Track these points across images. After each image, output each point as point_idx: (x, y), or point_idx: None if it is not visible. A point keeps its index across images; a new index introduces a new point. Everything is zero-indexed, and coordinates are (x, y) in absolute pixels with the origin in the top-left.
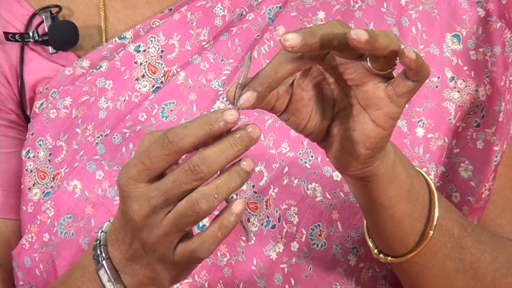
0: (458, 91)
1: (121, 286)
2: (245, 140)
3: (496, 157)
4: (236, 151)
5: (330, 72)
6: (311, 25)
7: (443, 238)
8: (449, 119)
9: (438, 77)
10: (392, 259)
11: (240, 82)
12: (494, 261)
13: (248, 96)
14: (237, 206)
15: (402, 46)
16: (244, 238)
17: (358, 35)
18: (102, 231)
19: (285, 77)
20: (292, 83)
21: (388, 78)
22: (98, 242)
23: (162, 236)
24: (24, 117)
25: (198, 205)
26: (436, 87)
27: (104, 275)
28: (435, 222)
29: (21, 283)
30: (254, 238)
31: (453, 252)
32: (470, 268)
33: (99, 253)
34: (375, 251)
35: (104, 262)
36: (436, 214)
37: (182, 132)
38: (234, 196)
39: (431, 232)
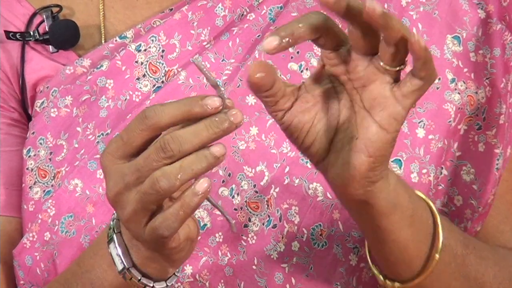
0: (459, 93)
1: (128, 261)
2: (224, 124)
3: (498, 160)
4: (210, 134)
5: (340, 71)
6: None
7: (448, 258)
8: (449, 121)
9: (439, 79)
10: (400, 285)
11: (211, 84)
12: (497, 275)
13: (271, 39)
14: (201, 186)
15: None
16: (245, 238)
17: (373, 5)
18: None
19: (307, 32)
20: (300, 87)
21: (396, 80)
22: (113, 216)
23: (132, 214)
24: (26, 116)
25: (158, 183)
26: (437, 88)
27: (113, 249)
28: (440, 245)
29: (22, 282)
30: (252, 225)
31: (457, 271)
32: (475, 284)
33: (112, 226)
34: (381, 277)
35: (114, 235)
36: (441, 238)
37: (159, 109)
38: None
39: (437, 255)
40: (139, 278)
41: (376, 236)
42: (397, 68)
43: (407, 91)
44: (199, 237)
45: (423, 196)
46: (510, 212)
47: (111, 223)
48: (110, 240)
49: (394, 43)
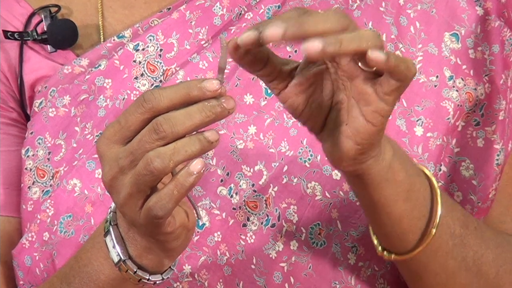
0: (457, 90)
1: (124, 252)
2: (216, 109)
3: (498, 155)
4: (203, 117)
5: (331, 62)
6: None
7: (445, 236)
8: (448, 119)
9: (437, 76)
10: (396, 256)
11: (220, 65)
12: (498, 258)
13: (250, 32)
14: (195, 166)
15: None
16: (243, 237)
17: (311, 45)
18: None
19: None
20: (296, 68)
21: (378, 74)
22: (110, 209)
23: (127, 197)
24: (24, 116)
25: (152, 163)
26: (435, 86)
27: (110, 242)
28: (437, 221)
29: (21, 282)
30: (250, 224)
31: (454, 250)
32: (473, 265)
33: (108, 219)
34: (379, 248)
35: (111, 228)
36: (439, 213)
37: (158, 93)
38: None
39: (434, 230)
40: (135, 270)
41: (371, 208)
42: (374, 68)
43: (388, 90)
44: (196, 229)
45: (427, 172)
46: (511, 203)
47: (108, 216)
48: (107, 232)
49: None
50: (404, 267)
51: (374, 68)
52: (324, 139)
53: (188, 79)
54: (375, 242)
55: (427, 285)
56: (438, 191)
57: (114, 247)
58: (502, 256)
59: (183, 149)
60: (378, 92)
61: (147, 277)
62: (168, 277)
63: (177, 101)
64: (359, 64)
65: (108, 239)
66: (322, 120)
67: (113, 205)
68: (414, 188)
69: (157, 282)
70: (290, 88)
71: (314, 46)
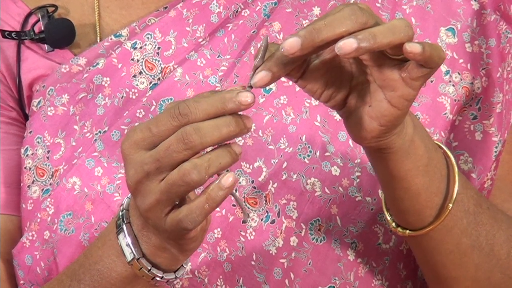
0: (453, 85)
1: (138, 251)
2: (241, 125)
3: (496, 147)
4: (230, 131)
5: None
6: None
7: (459, 213)
8: (445, 114)
9: None
10: (410, 232)
11: (255, 63)
12: (509, 239)
13: (263, 76)
14: (227, 180)
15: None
16: (243, 233)
17: (345, 45)
18: (127, 197)
19: (301, 60)
20: None
21: (403, 60)
22: (122, 207)
23: (154, 203)
24: (23, 115)
25: (190, 175)
26: (431, 81)
27: (123, 239)
28: (454, 196)
29: (21, 282)
30: (250, 221)
31: (468, 228)
32: (486, 245)
33: (120, 216)
34: (393, 224)
35: (124, 226)
36: (456, 188)
37: (193, 106)
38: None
39: (451, 205)
40: (149, 268)
41: (389, 182)
42: (402, 56)
43: (416, 76)
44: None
45: (444, 148)
46: None
47: (120, 213)
48: (120, 230)
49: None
50: (417, 245)
51: (402, 56)
52: (346, 117)
53: (186, 76)
54: (388, 218)
55: (440, 264)
56: (455, 167)
57: (127, 245)
58: None
59: (217, 161)
60: (405, 78)
61: (161, 275)
62: (181, 275)
63: (212, 115)
64: (387, 52)
65: (121, 237)
66: (342, 99)
67: (125, 202)
68: (432, 162)
69: (170, 280)
70: (308, 74)
71: (348, 45)
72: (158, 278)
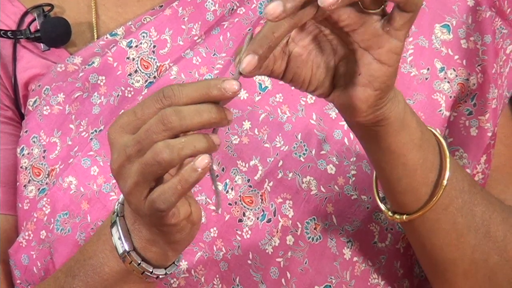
0: (448, 82)
1: (129, 244)
2: (222, 113)
3: (490, 142)
4: (210, 118)
5: (324, 24)
6: None
7: (454, 192)
8: (440, 111)
9: (428, 69)
10: (408, 216)
11: (240, 56)
12: (505, 221)
13: (250, 59)
14: (202, 162)
15: None
16: (239, 232)
17: None
18: None
19: (284, 35)
20: (287, 42)
21: (383, 15)
22: (118, 201)
23: (133, 186)
24: (19, 115)
25: (161, 154)
26: (426, 79)
27: (116, 233)
28: (447, 172)
29: (18, 281)
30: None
31: (464, 207)
32: (482, 225)
33: (115, 210)
34: (389, 213)
35: (117, 219)
36: (448, 165)
37: (177, 90)
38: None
39: (445, 181)
40: (139, 262)
41: (386, 162)
42: (380, 9)
43: (399, 25)
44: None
45: (431, 128)
46: (510, 181)
47: (116, 207)
48: (113, 223)
49: None
50: (414, 230)
51: (381, 8)
52: (337, 98)
53: (182, 75)
54: (383, 207)
55: (437, 247)
56: (445, 144)
57: (119, 238)
58: (509, 221)
59: (192, 143)
60: (389, 31)
61: (151, 270)
62: (171, 272)
63: (196, 99)
64: (364, 8)
65: (114, 230)
66: (330, 82)
67: (121, 197)
68: (425, 137)
69: (160, 276)
70: (291, 64)
71: None
72: (147, 273)
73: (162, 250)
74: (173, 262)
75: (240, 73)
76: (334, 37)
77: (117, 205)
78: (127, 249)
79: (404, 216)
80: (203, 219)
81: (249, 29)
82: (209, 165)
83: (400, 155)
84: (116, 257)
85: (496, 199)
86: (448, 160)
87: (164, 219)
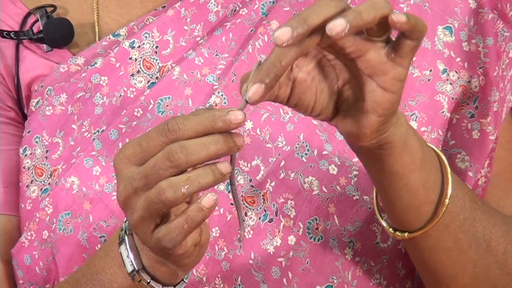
0: (451, 83)
1: (138, 263)
2: (230, 143)
3: (493, 146)
4: (218, 149)
5: (328, 50)
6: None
7: (456, 209)
8: (442, 112)
9: (430, 70)
10: (409, 234)
11: (247, 85)
12: (505, 235)
13: (256, 88)
14: (207, 201)
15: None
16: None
17: (335, 25)
18: None
19: (290, 64)
20: (292, 68)
21: (387, 42)
22: (125, 218)
23: (139, 219)
24: (22, 115)
25: (164, 193)
26: (429, 80)
27: (124, 251)
28: (449, 191)
29: (21, 281)
30: (248, 219)
31: (465, 223)
32: (483, 240)
33: (123, 228)
34: (390, 229)
35: (126, 237)
36: (450, 183)
37: (182, 123)
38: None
39: (447, 200)
40: (148, 281)
41: (388, 182)
42: (385, 36)
43: (403, 53)
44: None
45: (433, 146)
46: (510, 187)
47: (123, 224)
48: (122, 241)
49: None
50: (415, 246)
51: (385, 36)
52: (340, 122)
53: (184, 75)
54: (384, 224)
55: (438, 263)
56: (446, 163)
57: (128, 256)
58: (509, 234)
59: (197, 180)
60: (393, 58)
61: None
62: None
63: (201, 132)
64: (369, 35)
65: (122, 248)
66: (333, 106)
67: None
68: (427, 157)
69: None
70: (296, 90)
71: (338, 24)
72: None
73: (170, 270)
74: (182, 279)
75: (246, 101)
76: (337, 62)
77: (125, 222)
78: (136, 267)
79: (406, 234)
80: (247, 236)
81: (251, 30)
82: (215, 204)
83: (402, 176)
84: (124, 273)
85: (496, 211)
86: (450, 178)
87: (171, 253)
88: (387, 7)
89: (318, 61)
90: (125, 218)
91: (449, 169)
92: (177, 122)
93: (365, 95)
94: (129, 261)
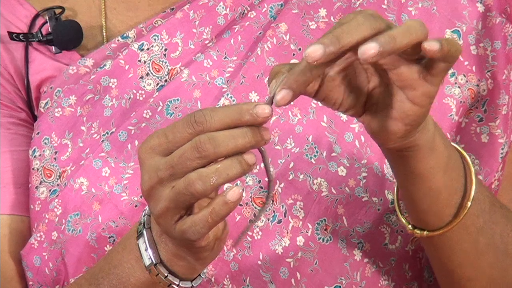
0: (459, 87)
1: (156, 256)
2: (257, 137)
3: (502, 149)
4: (246, 142)
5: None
6: (336, 26)
7: (476, 212)
8: (451, 115)
9: None
10: (429, 233)
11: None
12: None
13: (284, 94)
14: (232, 195)
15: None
16: (250, 233)
17: (368, 49)
18: None
19: (321, 73)
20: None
21: (420, 58)
22: (144, 212)
23: (164, 210)
24: (32, 117)
25: (194, 185)
26: None
27: (142, 244)
28: (472, 194)
29: (30, 283)
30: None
31: (485, 226)
32: (501, 243)
33: (142, 222)
34: (410, 226)
35: (144, 231)
36: (474, 186)
37: (209, 115)
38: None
39: (469, 203)
40: (166, 274)
41: (411, 183)
42: (418, 56)
43: (435, 73)
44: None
45: (458, 148)
46: None
47: (142, 218)
48: (140, 235)
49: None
50: (433, 246)
51: (419, 56)
52: (367, 121)
53: (193, 77)
54: (404, 221)
55: (456, 264)
56: (472, 166)
57: (146, 250)
58: None
59: (225, 172)
60: (425, 76)
61: (177, 283)
62: (197, 284)
63: (228, 125)
64: (403, 53)
65: (140, 241)
66: (362, 105)
67: (147, 208)
68: (451, 160)
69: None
70: (324, 88)
71: (370, 49)
72: (174, 286)
73: (188, 264)
74: (199, 274)
75: (272, 100)
76: (370, 67)
77: (143, 216)
78: (153, 261)
79: (425, 232)
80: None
81: (260, 33)
82: (241, 198)
83: (426, 179)
84: (142, 267)
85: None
86: (474, 180)
87: (194, 245)
88: (422, 32)
89: (350, 62)
90: (143, 213)
91: (473, 171)
92: (204, 114)
93: (394, 104)
94: (147, 255)
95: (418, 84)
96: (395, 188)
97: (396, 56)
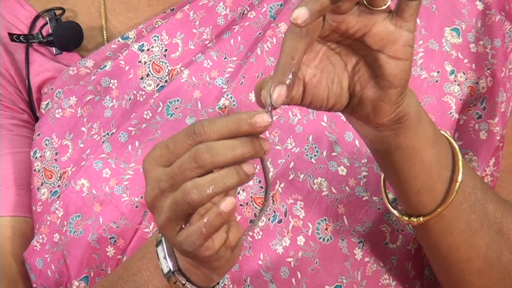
0: (458, 85)
1: (174, 264)
2: (256, 147)
3: (498, 145)
4: (245, 151)
5: (332, 38)
6: None
7: (468, 189)
8: (450, 113)
9: (438, 72)
10: (425, 217)
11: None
12: None
13: (279, 90)
14: (225, 206)
15: None
16: (250, 233)
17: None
18: None
19: (302, 57)
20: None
21: (389, 11)
22: None
23: (166, 221)
24: (34, 118)
25: (190, 194)
26: (436, 81)
27: (161, 252)
28: (461, 168)
29: (34, 285)
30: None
31: (477, 204)
32: (494, 223)
33: None
34: (405, 217)
35: (163, 238)
36: (461, 162)
37: (208, 126)
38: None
39: (460, 177)
40: (184, 282)
41: (405, 160)
42: (387, 4)
43: (407, 15)
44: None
45: (439, 128)
46: None
47: None
48: (159, 242)
49: None
50: (429, 231)
51: (387, 4)
52: (356, 107)
53: (193, 78)
54: (396, 214)
55: (453, 246)
56: (455, 143)
57: (164, 257)
58: None
59: (221, 181)
60: (399, 24)
61: None
62: None
63: (227, 135)
64: (370, 6)
65: (159, 249)
66: (346, 93)
67: None
68: (438, 133)
69: None
70: (309, 86)
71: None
72: None
73: (204, 273)
74: (217, 283)
75: (270, 106)
76: (341, 49)
77: None
78: (172, 269)
79: (421, 218)
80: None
81: (260, 33)
82: (234, 209)
83: (417, 151)
84: (160, 275)
85: (506, 200)
86: (459, 156)
87: (196, 256)
88: None
89: (323, 53)
90: None
91: (457, 149)
92: (203, 124)
93: (378, 71)
94: (165, 262)
95: (396, 36)
96: (382, 180)
97: (367, 16)
